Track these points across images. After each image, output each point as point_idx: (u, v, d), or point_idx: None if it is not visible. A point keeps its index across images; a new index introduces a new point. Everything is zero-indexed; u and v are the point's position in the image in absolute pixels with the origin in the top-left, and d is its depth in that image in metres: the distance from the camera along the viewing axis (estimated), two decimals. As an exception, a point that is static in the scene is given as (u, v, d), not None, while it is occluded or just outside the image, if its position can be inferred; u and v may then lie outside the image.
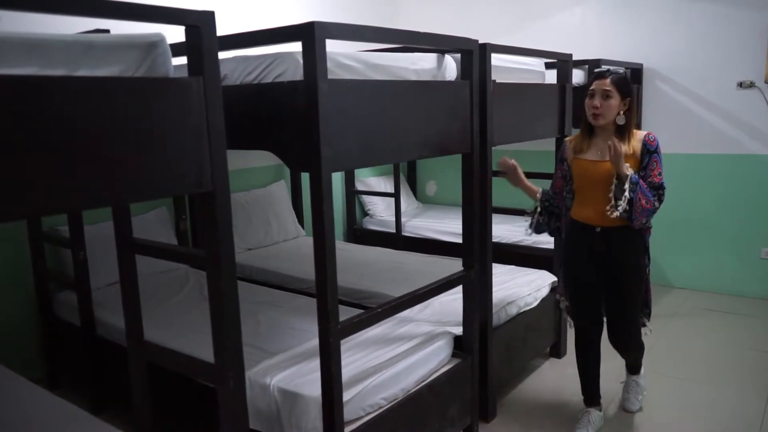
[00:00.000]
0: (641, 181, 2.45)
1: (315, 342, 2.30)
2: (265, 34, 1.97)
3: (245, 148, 2.15)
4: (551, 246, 3.75)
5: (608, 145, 2.41)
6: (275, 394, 2.18)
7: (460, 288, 2.68)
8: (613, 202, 2.46)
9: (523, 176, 2.74)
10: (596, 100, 2.46)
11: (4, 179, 1.24)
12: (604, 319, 2.78)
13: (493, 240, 3.25)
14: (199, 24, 1.56)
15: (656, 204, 2.47)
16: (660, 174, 2.50)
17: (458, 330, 2.74)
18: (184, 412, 2.55)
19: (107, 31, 2.13)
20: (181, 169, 1.56)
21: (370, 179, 5.33)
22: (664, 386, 3.24)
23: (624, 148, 2.46)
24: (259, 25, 2.16)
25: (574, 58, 3.55)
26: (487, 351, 2.83)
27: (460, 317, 2.74)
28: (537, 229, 2.84)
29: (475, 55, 2.53)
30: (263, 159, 4.42)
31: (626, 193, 2.40)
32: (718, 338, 3.89)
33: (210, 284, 1.71)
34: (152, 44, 1.52)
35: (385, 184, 5.32)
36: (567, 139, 2.74)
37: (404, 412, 2.35)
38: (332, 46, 1.84)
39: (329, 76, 1.85)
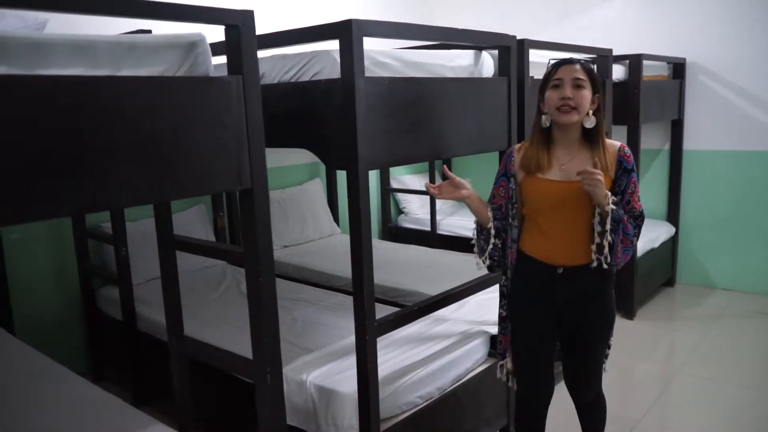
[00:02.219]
0: (621, 214, 1.91)
1: (351, 339, 2.32)
2: (303, 32, 1.99)
3: (282, 146, 2.17)
4: (590, 245, 3.68)
5: (591, 165, 1.84)
6: (311, 391, 2.20)
7: (496, 287, 2.64)
8: (595, 244, 1.90)
9: (463, 184, 2.05)
10: (566, 89, 1.86)
11: (53, 178, 1.28)
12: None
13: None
14: (239, 23, 1.57)
15: (636, 240, 1.95)
16: (639, 199, 1.96)
17: (494, 329, 2.71)
18: (222, 406, 2.59)
19: (149, 31, 2.17)
20: (220, 166, 1.58)
21: (405, 177, 5.33)
22: (708, 390, 3.15)
23: (587, 158, 1.93)
24: (293, 24, 2.17)
25: (615, 53, 3.48)
26: (524, 351, 2.79)
27: (496, 316, 2.70)
28: (492, 261, 2.12)
29: (513, 52, 2.50)
30: (299, 157, 4.45)
31: (607, 236, 1.88)
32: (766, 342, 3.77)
33: (248, 281, 1.73)
34: (193, 44, 1.54)
35: (420, 182, 5.30)
36: (515, 147, 2.09)
37: (440, 411, 2.34)
38: (368, 44, 1.84)
39: (366, 74, 1.85)
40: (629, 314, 4.08)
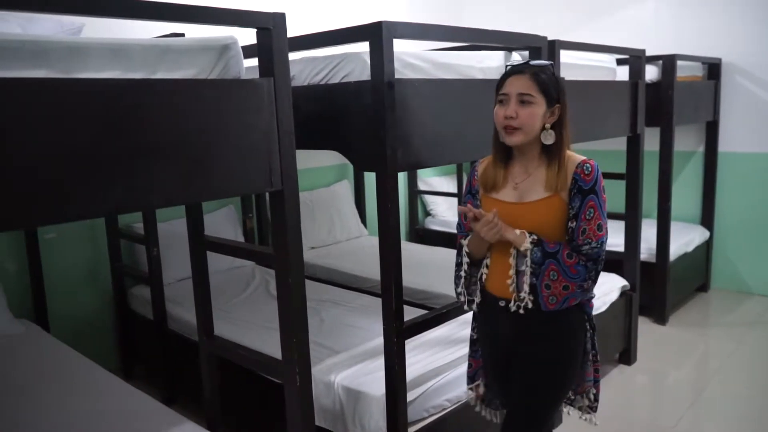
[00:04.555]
0: (563, 250, 1.63)
1: (378, 341, 2.31)
2: (333, 34, 1.99)
3: (312, 148, 2.18)
4: (621, 248, 3.62)
5: (545, 185, 1.66)
6: (339, 392, 2.20)
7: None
8: (513, 281, 1.68)
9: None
10: (510, 106, 1.65)
11: (89, 179, 1.30)
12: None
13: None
14: (271, 26, 1.59)
15: (588, 283, 1.66)
16: (601, 228, 1.64)
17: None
18: (251, 406, 2.60)
19: (182, 34, 2.20)
20: (252, 168, 1.59)
21: (433, 179, 5.31)
22: (742, 399, 3.07)
23: (543, 177, 1.68)
24: (322, 26, 2.18)
25: (648, 53, 3.42)
26: (553, 355, 2.75)
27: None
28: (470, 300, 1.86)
29: (543, 53, 2.47)
30: (327, 158, 4.47)
31: (526, 278, 1.65)
32: (803, 349, 3.66)
33: (278, 282, 1.74)
34: (225, 47, 1.56)
35: (448, 184, 5.28)
36: (480, 160, 1.86)
37: (468, 415, 2.32)
38: (398, 45, 1.84)
39: (396, 76, 1.85)
40: (661, 320, 4.00)
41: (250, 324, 2.83)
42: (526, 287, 1.66)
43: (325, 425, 2.25)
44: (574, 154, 1.70)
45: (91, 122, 1.30)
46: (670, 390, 3.27)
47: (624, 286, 3.36)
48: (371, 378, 2.20)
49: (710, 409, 3.01)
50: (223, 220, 3.79)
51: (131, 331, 3.42)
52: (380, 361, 2.15)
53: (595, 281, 1.68)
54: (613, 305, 3.23)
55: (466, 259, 1.80)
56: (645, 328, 3.83)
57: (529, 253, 1.64)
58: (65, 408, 2.09)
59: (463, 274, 1.82)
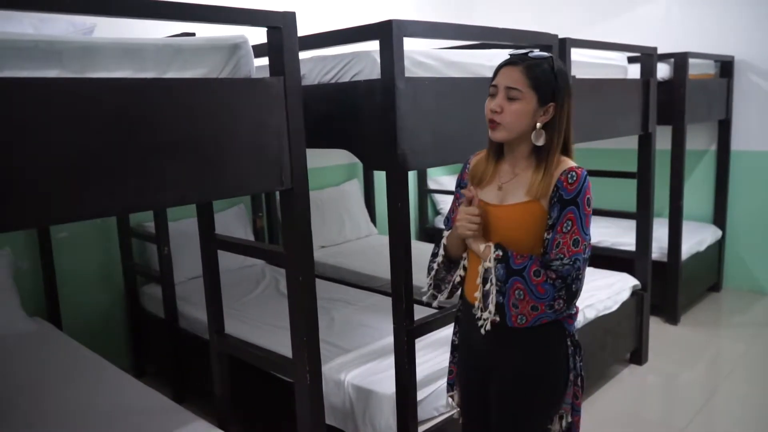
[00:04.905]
0: (531, 266, 1.48)
1: (388, 340, 2.32)
2: (344, 33, 2.00)
3: (322, 147, 2.18)
4: (632, 248, 3.60)
5: (527, 189, 1.53)
6: (349, 391, 2.20)
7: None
8: (479, 295, 1.56)
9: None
10: (496, 99, 1.53)
11: (102, 178, 1.31)
12: None
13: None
14: (281, 25, 1.59)
15: (559, 303, 1.49)
16: (577, 244, 1.48)
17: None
18: (262, 404, 2.61)
19: (193, 34, 2.21)
20: (262, 167, 1.60)
21: (443, 178, 5.30)
22: (755, 400, 3.05)
23: (527, 180, 1.55)
24: (331, 25, 2.18)
25: (659, 51, 3.39)
26: (564, 355, 2.74)
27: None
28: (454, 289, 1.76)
29: (554, 51, 2.46)
30: (336, 158, 4.47)
31: (492, 297, 1.52)
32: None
33: (289, 280, 1.74)
34: (236, 46, 1.57)
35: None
36: (474, 154, 1.74)
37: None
38: (408, 44, 1.84)
39: (406, 74, 1.85)
40: (673, 319, 3.97)
41: (261, 323, 2.84)
42: (491, 307, 1.52)
43: (335, 424, 2.25)
44: (567, 160, 1.55)
45: (103, 121, 1.31)
46: (682, 390, 3.25)
47: (635, 286, 3.34)
48: (381, 377, 2.20)
49: (722, 410, 2.98)
50: (233, 219, 3.80)
51: (142, 330, 3.44)
52: (390, 360, 2.15)
53: (568, 301, 1.49)
54: (624, 305, 3.21)
55: (441, 251, 1.69)
56: (656, 327, 3.81)
57: (492, 269, 1.50)
58: (77, 405, 2.11)
59: (434, 266, 1.71)
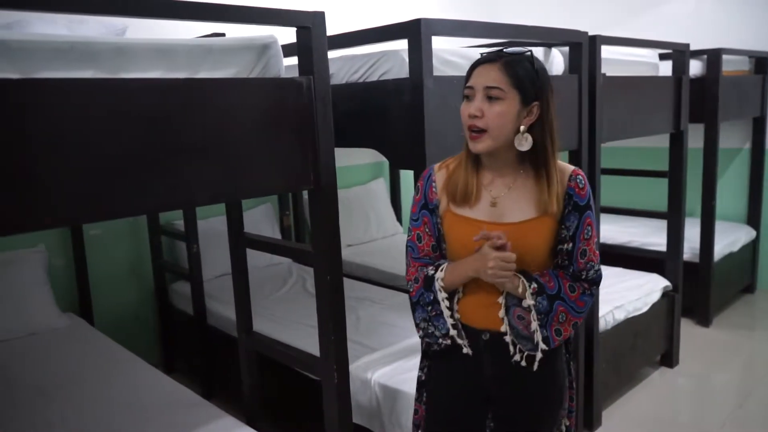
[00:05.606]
0: (564, 283, 1.41)
1: (415, 339, 2.31)
2: (372, 32, 2.00)
3: (350, 146, 2.19)
4: (663, 248, 3.54)
5: (537, 206, 1.40)
6: (376, 390, 2.20)
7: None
8: (507, 331, 1.42)
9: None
10: (474, 103, 1.36)
11: (135, 177, 1.33)
12: None
13: (600, 241, 3.11)
14: (310, 25, 1.60)
15: (589, 304, 1.45)
16: (597, 246, 1.45)
17: (562, 333, 2.64)
18: (289, 401, 2.63)
19: (223, 34, 2.23)
20: (292, 166, 1.61)
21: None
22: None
23: (531, 193, 1.42)
24: (355, 25, 2.18)
25: (692, 48, 3.32)
26: (593, 357, 2.71)
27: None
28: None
29: (584, 48, 2.43)
30: (363, 156, 4.48)
31: (537, 333, 1.40)
32: None
33: (317, 279, 1.75)
34: (266, 46, 1.58)
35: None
36: (434, 167, 1.53)
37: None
38: (435, 42, 1.83)
39: (434, 73, 1.84)
40: (705, 321, 3.89)
41: (288, 321, 2.86)
42: (541, 344, 1.39)
43: (362, 422, 2.25)
44: (560, 163, 1.44)
45: (136, 121, 1.33)
46: (714, 394, 3.18)
47: (666, 287, 3.29)
48: (409, 376, 2.19)
49: (755, 414, 2.91)
50: (260, 218, 3.83)
51: (171, 326, 3.49)
52: (417, 359, 2.14)
53: (594, 297, 1.46)
54: (654, 306, 3.16)
55: (443, 295, 1.45)
56: (688, 330, 3.73)
57: (534, 306, 1.38)
58: (109, 399, 2.15)
59: (448, 312, 1.45)
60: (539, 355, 1.41)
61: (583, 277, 1.43)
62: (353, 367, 2.29)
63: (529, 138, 1.37)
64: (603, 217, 2.85)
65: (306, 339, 2.41)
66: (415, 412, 1.65)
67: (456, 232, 1.44)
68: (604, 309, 2.83)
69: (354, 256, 3.95)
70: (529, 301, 1.38)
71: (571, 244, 1.41)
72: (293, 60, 1.73)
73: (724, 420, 2.81)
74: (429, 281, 1.46)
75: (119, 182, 1.32)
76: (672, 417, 2.91)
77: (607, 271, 3.25)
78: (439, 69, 1.96)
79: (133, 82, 1.33)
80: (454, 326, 1.45)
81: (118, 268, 3.40)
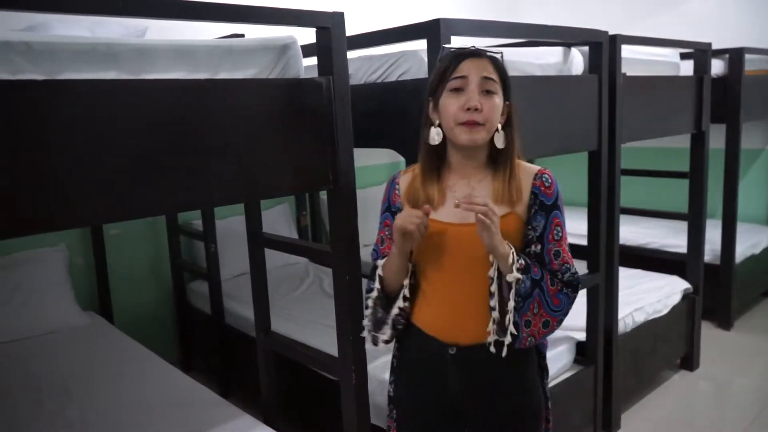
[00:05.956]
0: (546, 279, 1.33)
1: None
2: (391, 32, 1.99)
3: (369, 146, 2.18)
4: (682, 249, 3.49)
5: (468, 205, 1.25)
6: (393, 391, 2.19)
7: (584, 292, 2.56)
8: (493, 321, 1.34)
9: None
10: (471, 95, 1.29)
11: (156, 177, 1.34)
12: None
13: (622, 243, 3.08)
14: (330, 25, 1.60)
15: (565, 307, 1.36)
16: (567, 248, 1.40)
17: (580, 335, 2.62)
18: (307, 401, 2.64)
19: (242, 35, 2.24)
20: (311, 166, 1.61)
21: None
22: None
23: (489, 190, 1.37)
24: (373, 26, 2.18)
25: (714, 47, 3.28)
26: (612, 359, 2.68)
27: (581, 321, 2.62)
28: (396, 330, 1.46)
29: (604, 48, 2.40)
30: (380, 157, 4.47)
31: (510, 315, 1.31)
32: None
33: (335, 279, 1.75)
34: (285, 46, 1.58)
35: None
36: (400, 172, 1.50)
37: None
38: (454, 42, 1.82)
39: (453, 74, 1.83)
40: (726, 324, 3.83)
41: (305, 321, 2.86)
42: (511, 328, 1.31)
43: (380, 423, 2.25)
44: (525, 163, 1.41)
45: (157, 122, 1.34)
46: (735, 398, 3.13)
47: (686, 289, 3.24)
48: (425, 377, 2.19)
49: (780, 419, 2.87)
50: (277, 218, 3.84)
51: (189, 325, 3.51)
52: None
53: (572, 304, 1.38)
54: (674, 308, 3.12)
55: (376, 285, 1.42)
56: (708, 332, 3.68)
57: (515, 284, 1.30)
58: (128, 396, 2.17)
59: (369, 303, 1.44)
60: (508, 339, 1.32)
61: (563, 279, 1.37)
62: (371, 368, 2.28)
63: (504, 136, 1.35)
64: (622, 218, 2.82)
65: (323, 339, 2.41)
66: (387, 429, 1.58)
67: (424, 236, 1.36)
68: (623, 311, 2.80)
69: (370, 256, 3.94)
70: (515, 275, 1.29)
71: (539, 246, 1.36)
72: (311, 60, 1.73)
73: (746, 425, 2.77)
74: (373, 271, 1.45)
75: (139, 182, 1.33)
76: (692, 421, 2.87)
77: (625, 272, 3.27)
78: (458, 69, 1.94)
79: (154, 82, 1.34)
80: (379, 320, 1.43)
81: (137, 267, 3.43)
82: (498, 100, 1.31)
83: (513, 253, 1.29)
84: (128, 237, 3.36)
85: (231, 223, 3.47)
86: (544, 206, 1.36)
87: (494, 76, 1.31)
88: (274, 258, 3.45)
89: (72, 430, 1.96)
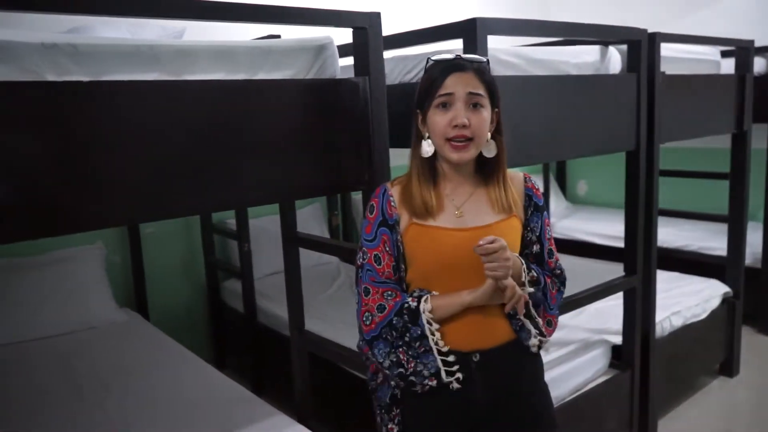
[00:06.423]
0: (547, 281, 1.41)
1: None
2: (427, 32, 1.98)
3: (401, 146, 2.17)
4: (722, 252, 3.41)
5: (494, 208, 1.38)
6: (426, 392, 2.18)
7: (618, 295, 2.52)
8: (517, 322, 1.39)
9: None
10: (458, 112, 1.30)
11: (195, 177, 1.36)
12: None
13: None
14: (367, 25, 1.60)
15: (559, 302, 1.46)
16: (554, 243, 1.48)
17: (616, 339, 2.58)
18: (339, 401, 2.64)
19: (278, 36, 2.25)
20: (346, 166, 1.62)
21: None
22: None
23: (485, 197, 1.40)
24: (403, 26, 2.17)
25: (756, 44, 3.19)
26: (649, 364, 2.63)
27: (616, 325, 2.58)
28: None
29: (643, 46, 2.36)
30: (405, 157, 4.47)
31: (536, 321, 1.40)
32: None
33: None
34: (322, 47, 1.59)
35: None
36: (387, 184, 1.44)
37: (559, 421, 2.24)
38: (489, 42, 1.81)
39: (489, 73, 1.81)
40: (767, 330, 3.73)
41: (336, 320, 2.87)
42: (533, 330, 1.39)
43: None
44: (509, 170, 1.45)
45: (197, 122, 1.36)
46: (778, 406, 3.05)
47: (726, 293, 3.16)
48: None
49: (825, 428, 2.78)
50: (309, 218, 3.86)
51: (222, 323, 3.55)
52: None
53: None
54: (713, 313, 3.05)
55: (436, 326, 1.33)
56: (749, 338, 3.58)
57: (531, 295, 1.37)
58: (164, 392, 2.20)
59: (441, 344, 1.33)
60: (535, 341, 1.39)
61: (558, 277, 1.46)
62: (403, 369, 2.28)
63: (494, 144, 1.37)
64: (660, 220, 2.75)
65: (354, 339, 2.41)
66: None
67: (422, 243, 1.36)
68: (660, 315, 2.74)
69: (402, 256, 3.94)
70: (528, 288, 1.35)
71: (538, 246, 1.43)
72: (345, 61, 1.73)
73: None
74: (414, 314, 1.32)
75: (180, 182, 1.35)
76: (731, 429, 2.80)
77: (663, 275, 3.20)
78: (494, 69, 1.92)
79: (195, 83, 1.36)
80: (445, 361, 1.33)
81: (171, 265, 3.49)
82: (486, 113, 1.33)
83: (524, 269, 1.36)
84: (163, 235, 3.41)
85: (263, 223, 3.50)
86: (538, 207, 1.44)
87: (480, 89, 1.32)
88: (305, 258, 3.45)
89: (111, 424, 2.00)
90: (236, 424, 1.96)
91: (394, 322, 1.33)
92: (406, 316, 1.33)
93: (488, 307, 1.33)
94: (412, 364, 1.33)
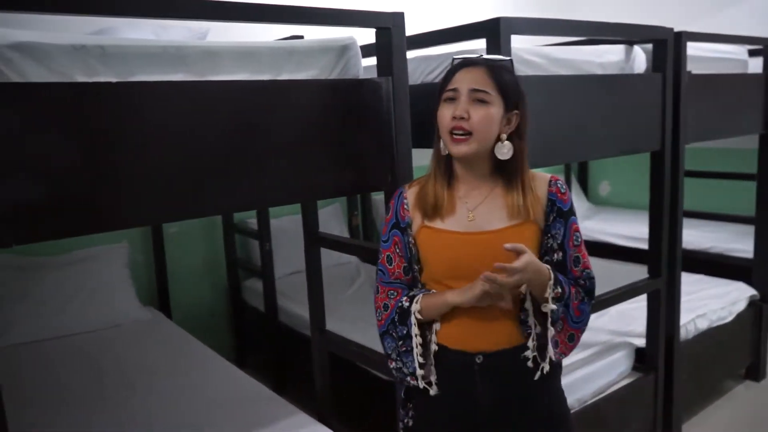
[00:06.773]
0: (571, 291, 1.33)
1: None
2: (450, 32, 1.98)
3: (423, 146, 2.17)
4: (748, 254, 3.35)
5: (508, 212, 1.34)
6: (447, 393, 2.18)
7: (641, 297, 2.49)
8: (532, 340, 1.33)
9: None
10: (460, 104, 1.29)
11: (217, 177, 1.37)
12: None
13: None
14: (390, 26, 1.60)
15: (586, 315, 1.38)
16: (586, 253, 1.39)
17: (639, 341, 2.55)
18: (360, 400, 2.64)
19: (301, 36, 2.26)
20: (369, 166, 1.62)
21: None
22: None
23: (501, 202, 1.35)
24: (424, 26, 2.17)
25: (785, 43, 3.13)
26: (673, 367, 2.60)
27: (640, 327, 2.55)
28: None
29: (669, 45, 2.32)
30: (429, 158, 4.46)
31: (550, 345, 1.33)
32: None
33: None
34: (345, 47, 1.59)
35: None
36: (405, 186, 1.46)
37: (581, 424, 2.23)
38: (512, 41, 1.80)
39: (513, 73, 1.80)
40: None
41: (356, 320, 2.87)
42: (551, 350, 1.32)
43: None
44: (536, 172, 1.40)
45: (222, 123, 1.37)
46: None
47: (753, 296, 3.11)
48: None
49: None
50: (329, 218, 3.87)
51: (244, 322, 3.58)
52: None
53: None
54: (739, 316, 3.00)
55: (416, 330, 1.35)
56: (775, 342, 3.52)
57: (549, 314, 1.29)
58: (186, 389, 2.22)
59: (418, 350, 1.35)
60: (547, 368, 1.32)
61: (585, 287, 1.37)
62: (424, 369, 2.27)
63: (510, 146, 1.33)
64: (685, 221, 2.72)
65: (373, 339, 2.41)
66: None
67: (433, 246, 1.37)
68: (685, 317, 2.70)
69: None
70: (551, 306, 1.28)
71: (561, 254, 1.35)
72: (368, 61, 1.73)
73: None
74: (404, 314, 1.36)
75: (204, 182, 1.36)
76: (759, 433, 2.75)
77: (687, 278, 3.15)
78: (518, 68, 1.90)
79: (220, 84, 1.37)
80: (422, 365, 1.34)
81: (193, 264, 3.52)
82: (492, 110, 1.29)
83: (551, 284, 1.28)
84: (186, 235, 3.45)
85: (284, 222, 3.52)
86: (562, 213, 1.35)
87: (488, 87, 1.29)
88: (325, 257, 3.46)
89: (136, 422, 2.02)
90: (257, 422, 1.97)
91: (395, 320, 1.38)
92: (398, 315, 1.37)
93: (496, 309, 1.31)
94: (398, 362, 1.38)
